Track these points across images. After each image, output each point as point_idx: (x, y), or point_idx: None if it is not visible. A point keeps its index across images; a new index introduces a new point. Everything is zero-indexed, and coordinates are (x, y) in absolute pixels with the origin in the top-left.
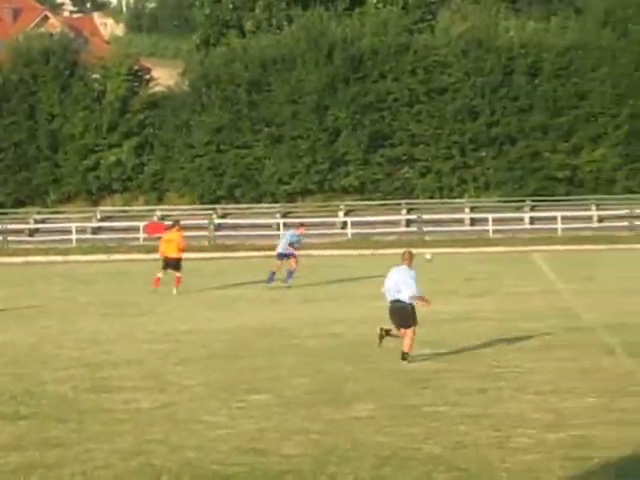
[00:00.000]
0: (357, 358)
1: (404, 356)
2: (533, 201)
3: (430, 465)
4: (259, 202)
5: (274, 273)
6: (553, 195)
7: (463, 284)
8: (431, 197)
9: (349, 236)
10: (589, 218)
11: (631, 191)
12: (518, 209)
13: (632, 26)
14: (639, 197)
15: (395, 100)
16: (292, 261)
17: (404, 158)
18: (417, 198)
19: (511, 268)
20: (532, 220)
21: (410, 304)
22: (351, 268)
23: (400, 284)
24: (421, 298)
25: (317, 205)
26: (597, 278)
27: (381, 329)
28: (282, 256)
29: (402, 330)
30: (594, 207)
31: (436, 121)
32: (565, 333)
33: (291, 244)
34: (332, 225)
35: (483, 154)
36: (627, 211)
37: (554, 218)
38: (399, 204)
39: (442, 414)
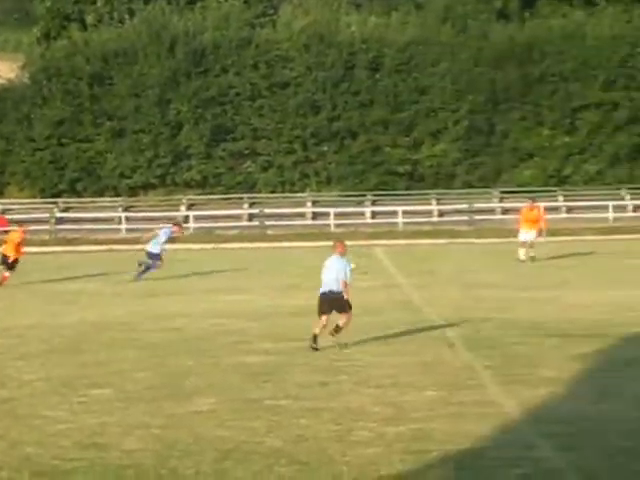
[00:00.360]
0: (198, 352)
1: (337, 329)
2: (374, 195)
3: (271, 459)
4: (101, 196)
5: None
6: (394, 189)
7: (304, 278)
8: (273, 191)
9: (191, 230)
10: (429, 212)
11: (471, 186)
12: (359, 203)
13: (471, 22)
14: (479, 191)
15: (237, 94)
16: (158, 264)
17: (246, 152)
18: (259, 192)
19: (353, 262)
20: (373, 214)
21: (342, 292)
22: (193, 262)
23: (337, 273)
24: (345, 286)
25: (159, 199)
26: (437, 272)
27: (314, 335)
28: (153, 256)
29: (324, 319)
30: (434, 201)
31: (278, 115)
32: (406, 327)
33: (166, 241)
34: (174, 219)
35: (325, 148)
36: (467, 205)
37: (395, 212)
38: (241, 198)
39: (283, 408)
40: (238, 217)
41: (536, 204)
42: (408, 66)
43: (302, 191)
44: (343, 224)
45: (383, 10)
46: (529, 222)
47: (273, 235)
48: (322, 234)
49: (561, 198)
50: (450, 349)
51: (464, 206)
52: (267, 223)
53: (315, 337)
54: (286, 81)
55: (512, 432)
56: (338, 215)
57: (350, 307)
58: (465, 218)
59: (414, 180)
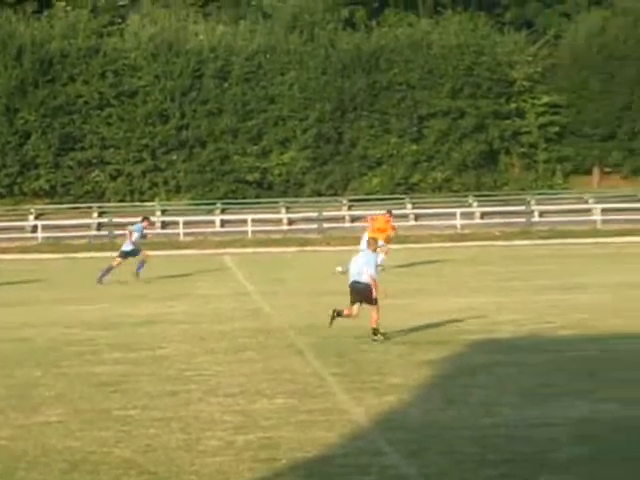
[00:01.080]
0: (47, 362)
1: (375, 332)
2: (223, 204)
3: (120, 469)
4: None
5: (112, 268)
6: (243, 198)
7: (154, 287)
8: (122, 200)
9: (39, 240)
10: (279, 221)
11: (320, 194)
12: (209, 212)
13: (319, 30)
14: (327, 199)
15: (85, 103)
16: (143, 254)
17: (95, 161)
18: (108, 201)
19: (202, 271)
20: (222, 223)
21: (368, 284)
22: (42, 272)
23: (363, 266)
24: (374, 282)
25: (7, 209)
26: (287, 280)
27: (333, 310)
28: (128, 254)
29: (355, 307)
30: (284, 210)
31: (126, 124)
32: (255, 335)
33: (143, 237)
34: (22, 229)
35: (174, 157)
36: (316, 214)
37: (244, 221)
38: (90, 207)
39: (132, 417)
40: (87, 226)
41: (391, 215)
42: (256, 74)
43: (151, 200)
44: (192, 233)
45: (231, 19)
46: (379, 231)
47: (122, 244)
48: (171, 243)
49: (409, 206)
50: (298, 356)
51: (313, 214)
52: (116, 232)
53: (337, 313)
54: (134, 90)
55: (360, 439)
56: (187, 224)
57: (376, 300)
58: (314, 226)
59: (263, 188)
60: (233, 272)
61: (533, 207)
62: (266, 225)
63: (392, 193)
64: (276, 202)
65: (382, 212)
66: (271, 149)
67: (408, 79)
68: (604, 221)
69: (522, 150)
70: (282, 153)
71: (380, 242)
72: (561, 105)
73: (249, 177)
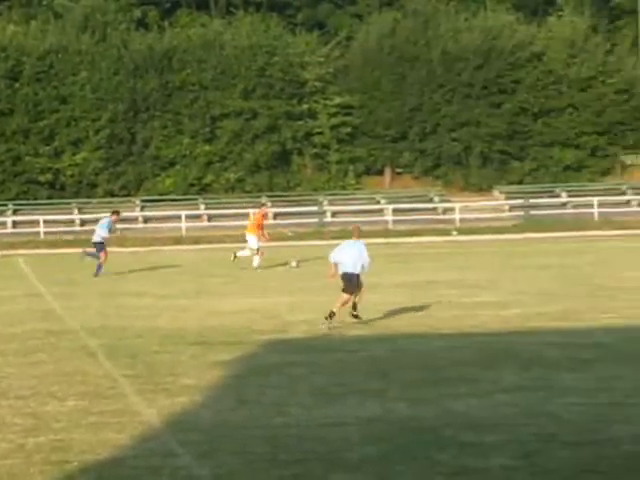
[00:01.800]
0: None
1: (331, 314)
2: (15, 205)
3: None
4: None
5: (101, 265)
6: (35, 199)
7: None
8: None
9: None
10: (71, 222)
11: (113, 194)
12: (0, 213)
13: (111, 31)
14: (120, 200)
15: None
16: (102, 253)
17: None
18: None
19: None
20: (14, 224)
21: (358, 274)
22: None
23: (355, 257)
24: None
25: None
26: (79, 281)
27: (326, 317)
28: (97, 244)
29: (346, 296)
30: (76, 210)
31: None
32: (47, 336)
33: (112, 231)
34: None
35: None
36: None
37: (36, 222)
38: None
39: None
40: None
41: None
42: (48, 74)
43: None
44: None
45: (22, 18)
46: (258, 227)
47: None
48: None
49: (202, 206)
50: (91, 358)
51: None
52: None
53: (332, 314)
54: None
55: (152, 440)
56: None
57: (361, 285)
58: None
59: (56, 189)
60: (25, 273)
61: (325, 207)
62: (58, 226)
63: (185, 194)
64: (69, 203)
65: (257, 210)
66: (63, 150)
67: (201, 79)
68: (395, 221)
69: (315, 151)
70: (75, 154)
71: (258, 242)
72: (353, 106)
73: (41, 178)
